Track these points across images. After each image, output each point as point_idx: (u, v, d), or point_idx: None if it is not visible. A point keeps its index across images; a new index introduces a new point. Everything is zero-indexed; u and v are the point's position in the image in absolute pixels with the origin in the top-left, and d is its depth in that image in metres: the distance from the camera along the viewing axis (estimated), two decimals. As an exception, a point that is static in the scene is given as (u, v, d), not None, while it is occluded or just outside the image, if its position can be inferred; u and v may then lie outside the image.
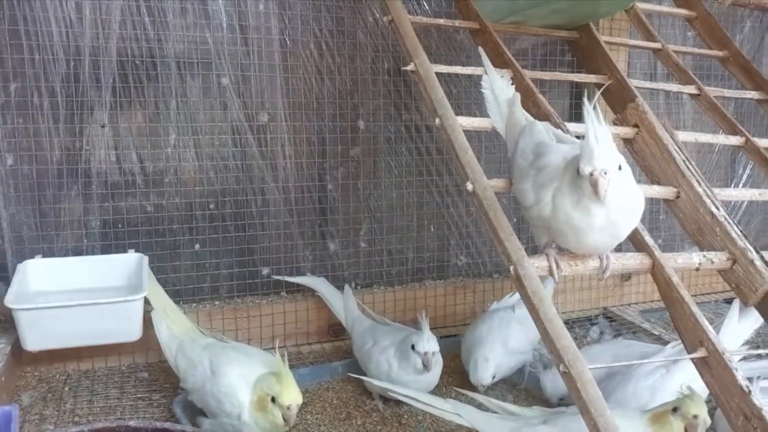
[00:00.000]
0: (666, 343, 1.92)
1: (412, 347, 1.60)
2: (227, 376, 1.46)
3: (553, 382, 1.64)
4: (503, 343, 1.70)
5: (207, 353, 1.54)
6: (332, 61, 2.03)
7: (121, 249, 1.89)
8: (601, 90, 1.43)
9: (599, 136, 1.02)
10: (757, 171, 2.54)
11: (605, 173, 1.01)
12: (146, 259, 1.80)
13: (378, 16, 2.04)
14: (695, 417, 1.20)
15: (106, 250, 1.88)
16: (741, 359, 1.56)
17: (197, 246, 1.98)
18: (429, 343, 1.59)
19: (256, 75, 1.96)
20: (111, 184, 1.87)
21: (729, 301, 2.44)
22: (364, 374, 1.70)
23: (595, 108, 1.04)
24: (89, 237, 1.87)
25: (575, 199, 1.07)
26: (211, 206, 1.98)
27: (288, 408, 1.38)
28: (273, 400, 1.38)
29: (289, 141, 2.02)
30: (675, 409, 1.22)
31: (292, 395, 1.38)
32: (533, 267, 1.14)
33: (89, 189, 1.86)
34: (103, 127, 1.85)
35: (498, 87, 1.47)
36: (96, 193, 1.86)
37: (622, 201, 1.06)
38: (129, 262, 1.84)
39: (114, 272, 1.83)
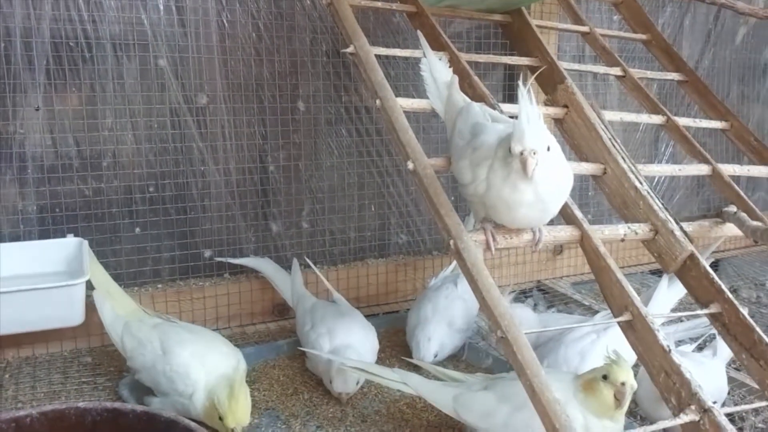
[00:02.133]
0: (595, 312, 2.04)
1: None
2: (179, 356, 1.48)
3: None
4: (449, 323, 1.77)
5: (156, 333, 1.56)
6: (271, 42, 2.04)
7: (60, 234, 1.86)
8: (536, 74, 1.50)
9: (531, 117, 1.09)
10: (678, 148, 2.69)
11: (534, 153, 1.08)
12: (86, 243, 1.79)
13: (316, -2, 2.06)
14: (623, 384, 1.28)
15: (43, 236, 1.85)
16: (662, 323, 1.68)
17: (137, 229, 1.97)
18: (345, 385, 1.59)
19: (194, 57, 1.95)
20: (47, 168, 1.84)
21: (654, 272, 2.61)
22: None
23: (528, 91, 1.10)
24: (26, 222, 1.84)
25: (505, 174, 1.13)
26: (151, 189, 1.97)
27: (232, 431, 1.39)
28: (220, 418, 1.39)
29: (228, 123, 2.02)
30: (604, 377, 1.29)
31: (238, 417, 1.38)
32: (471, 240, 1.20)
33: (24, 173, 1.82)
34: (37, 110, 1.81)
35: (436, 70, 1.52)
36: (32, 178, 1.83)
37: (549, 179, 1.12)
38: (68, 246, 1.82)
39: (52, 257, 1.81)
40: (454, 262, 2.08)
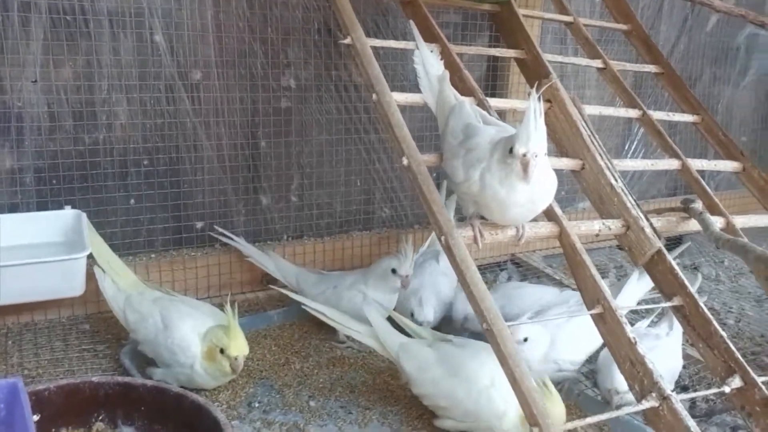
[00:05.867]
0: (565, 287, 2.18)
1: (393, 271, 1.83)
2: (180, 330, 1.58)
3: (462, 303, 1.86)
4: (436, 295, 1.91)
5: (157, 307, 1.64)
6: (263, 19, 2.08)
7: (57, 205, 1.92)
8: (545, 87, 1.57)
9: (539, 123, 1.17)
10: (647, 139, 2.82)
11: (536, 156, 1.17)
12: (84, 215, 1.85)
13: (308, -25, 2.09)
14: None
15: (41, 207, 1.91)
16: (628, 312, 1.81)
17: (132, 201, 2.03)
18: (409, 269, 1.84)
19: (189, 33, 1.99)
20: (44, 141, 1.89)
21: (621, 248, 2.74)
22: (304, 318, 1.91)
23: (539, 98, 1.18)
24: (24, 194, 1.89)
25: (503, 176, 1.21)
26: (146, 162, 2.02)
27: (235, 358, 1.52)
28: (222, 351, 1.52)
29: (221, 99, 2.07)
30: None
31: (239, 347, 1.53)
32: (461, 237, 1.30)
33: (22, 146, 1.86)
34: (34, 82, 1.84)
35: (429, 63, 1.59)
36: (30, 151, 1.87)
37: (543, 182, 1.22)
38: (66, 218, 1.88)
39: (51, 228, 1.86)
40: (429, 238, 2.18)
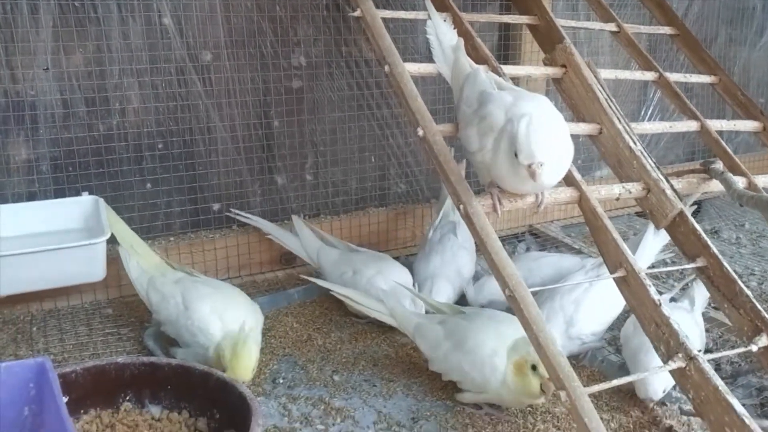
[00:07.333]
0: (585, 256, 2.16)
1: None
2: (199, 311, 1.58)
3: (475, 293, 1.86)
4: (457, 272, 1.90)
5: (179, 288, 1.65)
6: (271, -3, 2.06)
7: (74, 192, 1.92)
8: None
9: (540, 138, 1.15)
10: (663, 104, 2.78)
11: (541, 165, 1.16)
12: (102, 201, 1.86)
13: (315, -50, 2.07)
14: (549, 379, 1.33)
15: (58, 194, 1.92)
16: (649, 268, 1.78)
17: (149, 185, 2.04)
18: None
19: (198, 15, 1.98)
20: (59, 128, 1.89)
21: (640, 215, 2.73)
22: (324, 295, 1.92)
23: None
24: (41, 182, 1.90)
25: (511, 169, 1.20)
26: (160, 146, 2.02)
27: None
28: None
29: (232, 80, 2.07)
30: (533, 367, 1.37)
31: (237, 374, 1.42)
32: (480, 205, 1.29)
33: (37, 135, 1.87)
34: (45, 70, 1.84)
35: (442, 32, 1.56)
36: (45, 139, 1.88)
37: (554, 171, 1.20)
38: (84, 204, 1.89)
39: (69, 215, 1.88)
40: (441, 212, 2.15)
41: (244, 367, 1.44)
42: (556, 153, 1.19)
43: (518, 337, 1.41)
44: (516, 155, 1.17)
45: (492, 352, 1.43)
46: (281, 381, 1.59)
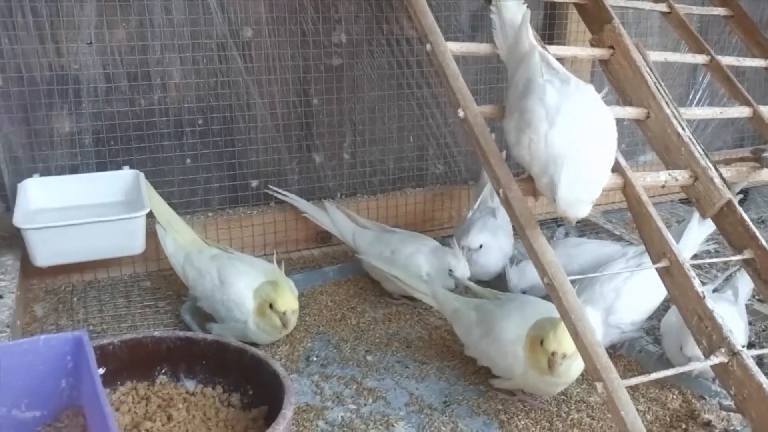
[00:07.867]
0: (626, 243, 2.12)
1: (450, 271, 1.79)
2: (234, 286, 1.60)
3: (517, 277, 1.82)
4: (500, 249, 1.91)
5: (214, 264, 1.66)
6: (313, -27, 2.04)
7: (115, 166, 1.95)
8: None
9: (579, 194, 1.11)
10: (712, 88, 2.69)
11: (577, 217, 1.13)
12: (142, 175, 1.88)
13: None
14: (553, 354, 1.32)
15: (100, 168, 1.94)
16: (693, 259, 1.74)
17: (188, 161, 2.05)
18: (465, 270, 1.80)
19: (239, -10, 1.97)
20: (101, 102, 1.91)
21: (684, 201, 2.66)
22: (359, 274, 1.96)
23: None
24: (83, 155, 1.93)
25: (549, 193, 1.15)
26: (200, 122, 2.03)
27: (284, 313, 1.53)
28: (271, 306, 1.54)
29: (273, 56, 2.06)
30: (542, 342, 1.35)
31: (286, 302, 1.54)
32: (520, 190, 1.26)
33: (80, 108, 1.89)
34: (89, 44, 1.86)
35: (507, 8, 1.47)
36: (88, 112, 1.90)
37: (591, 203, 1.14)
38: (124, 178, 1.91)
39: (110, 188, 1.91)
40: (480, 196, 2.11)
41: (288, 295, 1.55)
42: (595, 195, 1.13)
43: (541, 318, 1.39)
44: (554, 199, 1.13)
45: (516, 338, 1.41)
46: (314, 359, 1.60)
